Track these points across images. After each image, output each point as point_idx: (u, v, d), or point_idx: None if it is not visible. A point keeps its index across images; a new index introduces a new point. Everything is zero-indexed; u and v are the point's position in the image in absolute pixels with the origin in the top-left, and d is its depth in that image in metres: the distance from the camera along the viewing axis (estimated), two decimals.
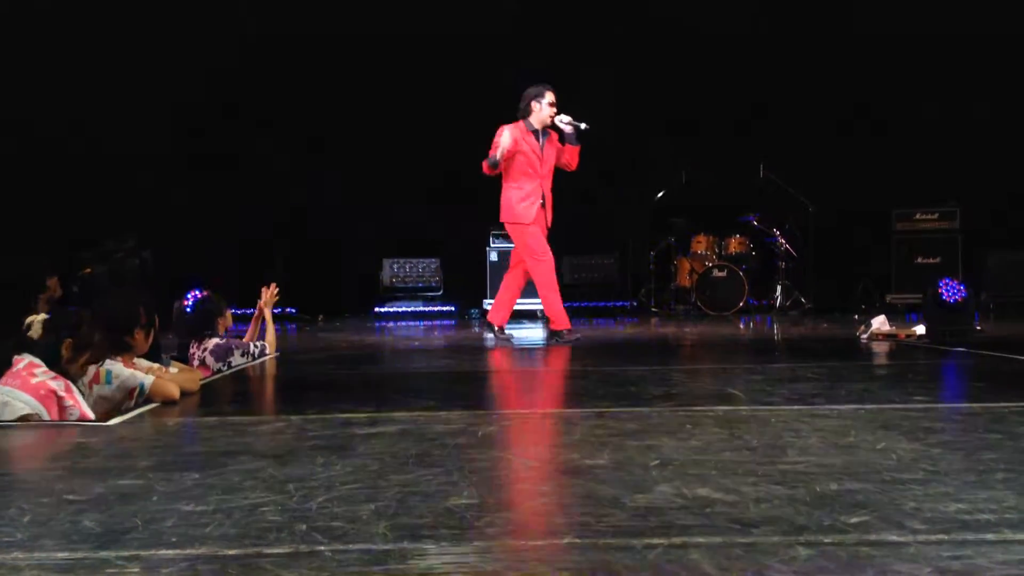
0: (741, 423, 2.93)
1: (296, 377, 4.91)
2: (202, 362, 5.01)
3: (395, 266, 11.09)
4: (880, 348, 5.89)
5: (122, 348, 3.65)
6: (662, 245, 10.95)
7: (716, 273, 10.34)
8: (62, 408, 3.17)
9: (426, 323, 10.08)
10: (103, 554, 1.67)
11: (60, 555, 1.67)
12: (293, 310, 10.55)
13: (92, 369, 3.47)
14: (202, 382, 4.14)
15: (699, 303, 10.29)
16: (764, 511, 1.87)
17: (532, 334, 8.03)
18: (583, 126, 6.57)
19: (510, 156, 6.48)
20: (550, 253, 6.59)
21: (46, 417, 3.12)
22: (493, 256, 10.69)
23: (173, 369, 4.01)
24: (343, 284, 11.44)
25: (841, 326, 8.08)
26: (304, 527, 1.81)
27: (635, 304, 11.09)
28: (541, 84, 6.65)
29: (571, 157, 6.64)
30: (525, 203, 6.52)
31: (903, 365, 5.03)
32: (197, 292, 5.36)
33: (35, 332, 3.30)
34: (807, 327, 8.18)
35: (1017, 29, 10.52)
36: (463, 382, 4.61)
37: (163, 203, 10.51)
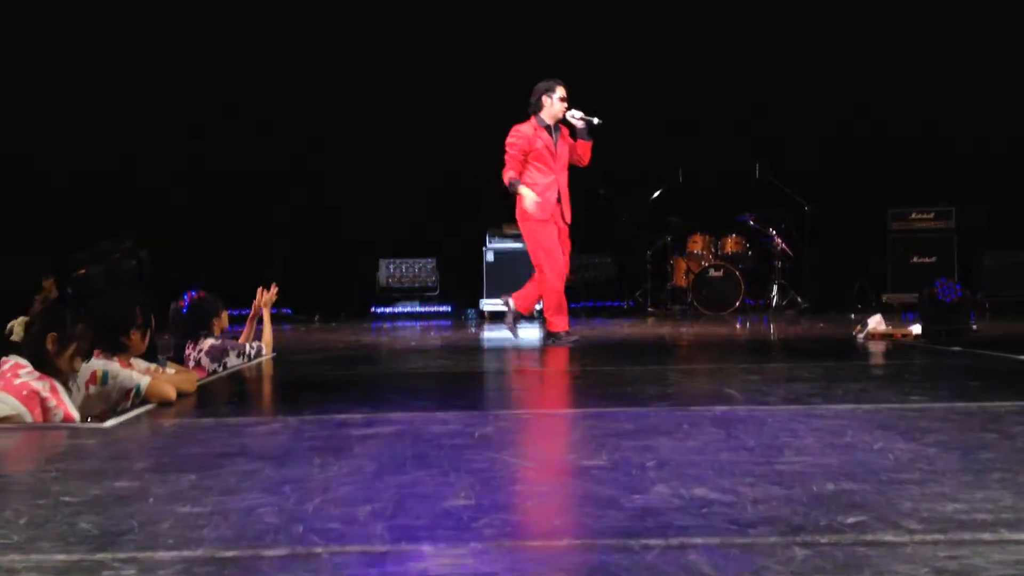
0: (738, 423, 2.93)
1: (293, 378, 4.91)
2: (197, 363, 5.00)
3: (391, 266, 11.08)
4: (876, 348, 5.89)
5: (118, 349, 3.65)
6: (659, 245, 10.96)
7: (712, 273, 10.34)
8: (46, 409, 3.15)
9: (423, 323, 10.07)
10: (100, 556, 1.66)
11: (57, 557, 1.66)
12: (289, 310, 10.54)
13: (88, 370, 3.47)
14: (199, 383, 4.13)
15: (695, 303, 10.30)
16: (761, 511, 1.87)
17: (529, 334, 8.03)
18: (596, 121, 6.46)
19: (524, 154, 6.42)
20: (560, 254, 6.46)
21: (28, 418, 3.10)
22: (489, 256, 10.68)
23: (170, 370, 4.01)
24: (339, 284, 11.43)
25: (837, 326, 8.09)
26: (301, 529, 1.81)
27: (632, 304, 11.10)
28: (552, 79, 6.53)
29: (583, 152, 6.53)
30: (540, 200, 6.40)
31: (899, 365, 5.03)
32: (193, 293, 5.35)
33: (16, 335, 3.29)
34: (803, 327, 8.19)
35: (1012, 28, 10.54)
36: (460, 383, 4.61)
37: (162, 203, 10.51)
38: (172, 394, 3.59)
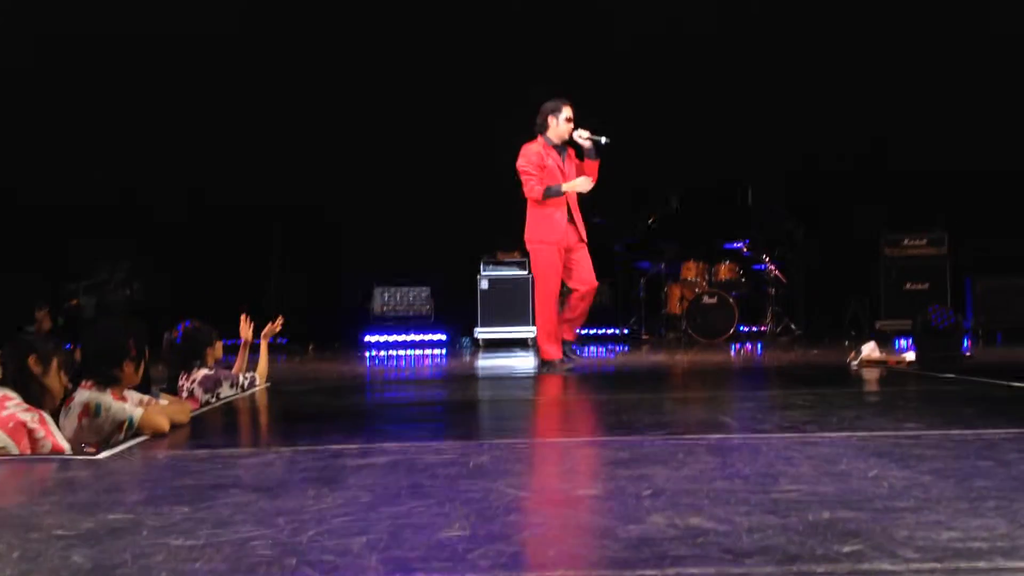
0: (733, 451, 2.93)
1: (286, 408, 4.89)
2: (190, 393, 4.97)
3: (386, 294, 11.08)
4: (870, 374, 5.89)
5: (111, 381, 3.63)
6: (652, 272, 10.98)
7: (706, 300, 10.36)
8: (34, 440, 3.14)
9: (417, 351, 10.06)
10: None
11: None
12: (283, 340, 10.52)
13: (81, 402, 3.46)
14: (192, 414, 4.11)
15: (689, 330, 10.31)
16: (757, 540, 1.86)
17: (523, 363, 8.02)
18: (603, 140, 6.42)
19: (540, 170, 6.39)
20: (556, 284, 6.43)
21: (14, 451, 3.09)
22: (484, 284, 10.70)
23: (163, 401, 3.99)
24: (333, 313, 11.43)
25: (831, 352, 8.09)
26: (295, 561, 1.80)
27: (626, 331, 11.10)
28: (558, 98, 6.52)
29: (590, 172, 6.49)
30: (551, 222, 6.38)
31: (894, 392, 5.03)
32: (187, 323, 5.34)
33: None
34: (797, 353, 8.20)
35: (1006, 57, 10.64)
36: (454, 412, 4.60)
37: (157, 233, 10.52)
38: (166, 425, 3.57)
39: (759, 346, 9.51)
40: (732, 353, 8.58)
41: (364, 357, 9.28)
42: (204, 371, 5.07)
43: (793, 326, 10.54)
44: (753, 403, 4.31)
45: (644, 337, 10.83)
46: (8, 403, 3.18)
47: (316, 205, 11.23)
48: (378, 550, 1.85)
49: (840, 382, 5.56)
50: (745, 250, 10.75)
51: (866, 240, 10.69)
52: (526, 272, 10.69)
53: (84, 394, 3.52)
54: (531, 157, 6.40)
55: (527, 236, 6.50)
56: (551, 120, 6.47)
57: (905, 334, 9.24)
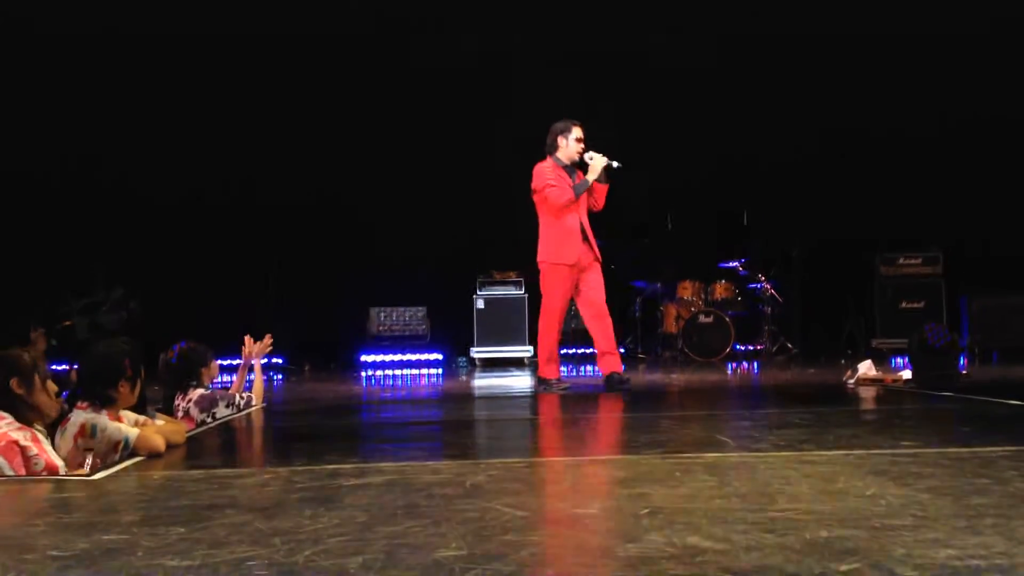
0: (730, 470, 2.92)
1: (282, 428, 4.88)
2: (186, 413, 4.96)
3: (382, 314, 11.08)
4: (867, 393, 5.89)
5: (107, 401, 3.62)
6: (648, 291, 10.99)
7: (702, 319, 10.36)
8: (27, 458, 3.13)
9: (414, 371, 10.05)
10: None
11: None
12: (281, 360, 10.51)
13: (77, 423, 3.45)
14: (188, 434, 4.10)
15: (686, 349, 10.30)
16: (755, 559, 1.86)
17: (519, 382, 8.01)
18: (615, 164, 6.39)
19: (545, 195, 6.37)
20: (561, 305, 6.39)
21: (7, 470, 3.08)
22: (480, 304, 10.70)
23: (159, 421, 3.98)
24: (330, 333, 11.41)
25: (827, 371, 8.10)
26: None
27: (622, 350, 11.09)
28: (568, 119, 6.50)
29: (599, 195, 6.48)
30: (567, 242, 6.34)
31: (890, 410, 5.03)
32: (183, 343, 5.33)
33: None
34: (794, 372, 8.20)
35: (1001, 78, 10.72)
36: (451, 431, 4.59)
37: (154, 252, 10.53)
38: (161, 446, 3.56)
39: (755, 365, 9.51)
40: (728, 372, 8.58)
41: (360, 377, 9.27)
42: (200, 391, 5.06)
43: (789, 345, 10.55)
44: (750, 422, 4.31)
45: (640, 356, 10.82)
46: (0, 422, 3.18)
47: (313, 227, 11.23)
48: (374, 570, 1.85)
49: (837, 401, 5.56)
50: (741, 269, 10.77)
51: (862, 259, 10.72)
52: (522, 291, 10.70)
53: (80, 415, 3.52)
54: (545, 173, 6.38)
55: (541, 255, 6.44)
56: (561, 140, 6.45)
57: (901, 352, 9.25)
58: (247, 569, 1.88)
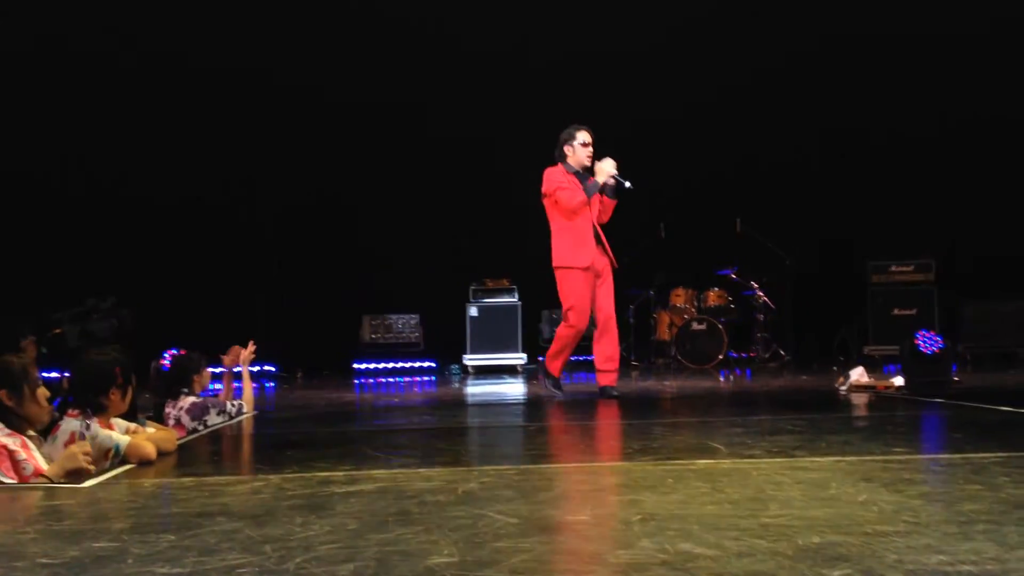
0: (723, 476, 2.92)
1: (274, 436, 4.87)
2: (177, 421, 4.95)
3: (375, 322, 11.06)
4: (859, 400, 5.90)
5: (98, 409, 3.61)
6: (641, 298, 10.99)
7: (695, 326, 10.36)
8: (16, 463, 3.13)
9: (406, 379, 10.03)
10: None
11: None
12: (273, 368, 10.48)
13: (68, 431, 3.44)
14: (179, 442, 4.09)
15: (679, 356, 10.30)
16: (746, 565, 1.86)
17: (512, 390, 8.00)
18: (627, 184, 6.30)
19: (556, 198, 6.32)
20: (583, 321, 6.30)
21: (2, 477, 3.08)
22: (473, 311, 10.69)
23: (149, 429, 3.97)
24: (322, 340, 11.39)
25: (820, 378, 8.11)
26: None
27: None
28: (573, 125, 6.45)
29: (606, 208, 6.43)
30: (580, 246, 6.28)
31: (882, 416, 5.04)
32: (174, 350, 5.32)
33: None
34: (786, 379, 8.20)
35: (989, 83, 10.76)
36: (443, 438, 4.58)
37: (143, 258, 10.51)
38: (152, 453, 3.55)
39: (748, 372, 9.52)
40: (721, 379, 8.58)
41: (353, 384, 9.25)
42: (191, 399, 5.05)
43: (782, 352, 10.56)
44: (742, 428, 4.31)
45: (634, 363, 10.82)
46: None
47: (307, 235, 11.23)
48: None
49: (829, 407, 5.57)
50: (734, 276, 10.78)
51: (854, 266, 10.75)
52: (515, 299, 10.69)
53: (71, 423, 3.51)
54: (555, 176, 6.34)
55: (555, 260, 6.38)
56: (567, 149, 6.40)
57: (893, 359, 9.27)
58: None
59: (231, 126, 10.79)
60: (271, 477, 3.14)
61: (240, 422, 5.22)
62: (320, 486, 2.92)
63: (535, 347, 11.05)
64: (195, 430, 4.89)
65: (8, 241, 10.36)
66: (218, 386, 6.52)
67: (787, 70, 11.05)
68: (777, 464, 3.14)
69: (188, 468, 3.60)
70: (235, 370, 5.71)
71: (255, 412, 5.62)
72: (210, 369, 5.48)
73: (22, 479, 3.11)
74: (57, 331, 4.76)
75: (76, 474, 3.15)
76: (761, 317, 10.67)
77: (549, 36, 11.00)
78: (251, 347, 5.71)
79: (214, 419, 5.06)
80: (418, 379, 10.06)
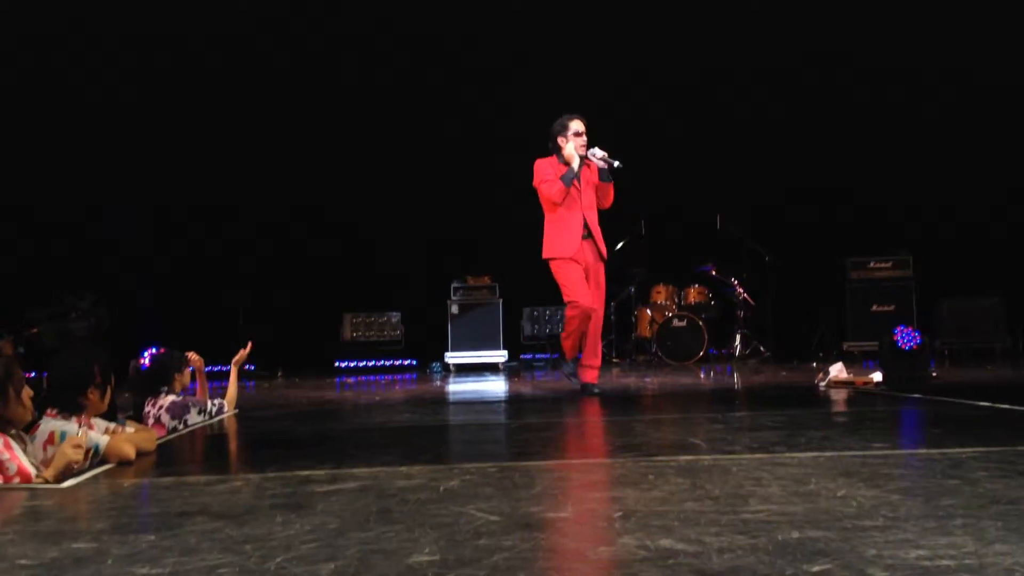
0: (703, 472, 2.93)
1: (254, 434, 4.85)
2: (157, 420, 4.92)
3: (356, 320, 11.04)
4: (838, 395, 5.93)
5: (76, 408, 3.59)
6: (622, 295, 11.01)
7: (676, 323, 10.40)
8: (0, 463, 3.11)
9: (387, 377, 10.01)
10: None
11: None
12: (252, 367, 10.44)
13: (46, 431, 3.41)
14: (158, 441, 4.07)
15: (659, 353, 10.33)
16: (727, 561, 1.86)
17: (493, 387, 8.00)
18: (616, 164, 6.28)
19: (539, 190, 6.32)
20: (586, 299, 6.24)
21: None
22: (454, 309, 10.69)
23: (129, 429, 3.95)
24: (303, 338, 11.36)
25: (800, 374, 8.15)
26: None
27: None
28: (564, 115, 6.42)
29: (603, 193, 6.40)
30: (564, 236, 6.28)
31: (861, 412, 5.07)
32: (154, 348, 5.29)
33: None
34: (766, 375, 8.24)
35: (970, 81, 10.84)
36: (424, 436, 4.57)
37: (125, 259, 10.46)
38: (131, 453, 3.53)
39: (728, 368, 9.55)
40: (702, 375, 8.61)
41: (334, 383, 9.23)
42: (171, 398, 5.02)
43: (762, 348, 10.61)
44: (722, 424, 4.33)
45: (614, 360, 10.84)
46: None
47: (286, 231, 11.20)
48: None
49: (808, 403, 5.60)
50: (714, 273, 10.82)
51: (832, 263, 10.82)
52: (496, 296, 10.69)
53: (49, 422, 3.48)
54: (542, 167, 6.33)
55: (545, 252, 6.39)
56: (561, 141, 6.37)
57: (872, 355, 9.32)
58: None
59: (230, 126, 10.75)
60: (251, 476, 3.12)
61: (221, 421, 5.19)
62: (301, 485, 2.91)
63: (516, 344, 11.06)
64: (175, 429, 4.86)
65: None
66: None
67: (772, 69, 11.09)
68: (757, 460, 3.16)
69: (168, 468, 3.58)
70: (223, 368, 5.73)
71: (235, 411, 5.60)
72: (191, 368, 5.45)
73: (6, 479, 3.09)
74: (34, 330, 4.72)
75: (69, 470, 3.14)
76: (741, 314, 10.72)
77: (532, 34, 11.00)
78: (248, 347, 5.72)
79: (195, 418, 5.03)
80: (400, 377, 10.04)
